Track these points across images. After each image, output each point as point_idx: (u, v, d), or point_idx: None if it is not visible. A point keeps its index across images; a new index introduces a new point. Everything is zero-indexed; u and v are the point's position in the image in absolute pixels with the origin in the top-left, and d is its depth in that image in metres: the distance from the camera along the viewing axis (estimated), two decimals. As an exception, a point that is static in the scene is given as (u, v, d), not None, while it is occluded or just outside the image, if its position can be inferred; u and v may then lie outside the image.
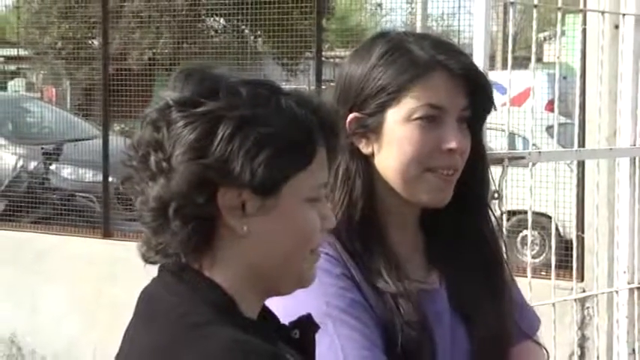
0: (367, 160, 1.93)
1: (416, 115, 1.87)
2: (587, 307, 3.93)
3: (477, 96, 1.92)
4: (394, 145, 1.89)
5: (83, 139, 10.05)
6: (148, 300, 1.52)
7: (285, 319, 1.72)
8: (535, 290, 2.11)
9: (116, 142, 8.15)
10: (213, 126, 1.43)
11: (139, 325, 1.50)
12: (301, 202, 1.49)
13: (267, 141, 1.44)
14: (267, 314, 1.61)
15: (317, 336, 1.71)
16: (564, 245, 4.78)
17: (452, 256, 1.98)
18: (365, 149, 1.92)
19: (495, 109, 1.99)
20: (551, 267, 3.60)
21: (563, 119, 7.58)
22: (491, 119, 2.04)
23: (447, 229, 1.98)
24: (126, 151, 1.50)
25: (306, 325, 1.62)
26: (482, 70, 2.00)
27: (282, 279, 1.54)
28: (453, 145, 1.88)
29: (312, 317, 1.63)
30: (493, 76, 3.84)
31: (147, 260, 1.51)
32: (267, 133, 1.44)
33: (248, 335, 1.42)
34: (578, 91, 4.03)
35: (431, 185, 1.90)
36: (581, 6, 4.06)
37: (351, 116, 1.91)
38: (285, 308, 1.68)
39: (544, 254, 8.09)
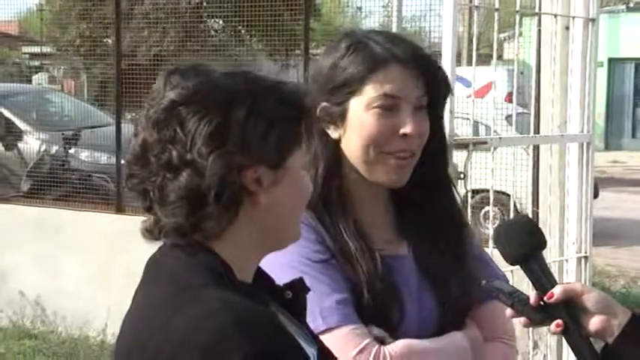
0: (335, 144, 1.94)
1: (374, 104, 1.89)
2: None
3: (432, 83, 1.92)
4: (356, 130, 1.91)
5: (99, 126, 10.04)
6: (151, 266, 1.52)
7: None
8: (496, 259, 2.12)
9: (128, 129, 8.13)
10: (225, 116, 1.42)
11: (143, 288, 1.51)
12: (299, 170, 1.53)
13: (274, 122, 1.46)
14: (261, 277, 1.61)
15: None
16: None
17: (419, 226, 1.99)
18: (333, 134, 1.94)
19: (452, 94, 1.99)
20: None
21: (520, 109, 7.60)
22: (458, 109, 2.05)
23: (416, 203, 1.99)
24: (131, 152, 1.47)
25: (298, 287, 1.63)
26: (434, 59, 1.99)
27: (284, 236, 1.57)
28: (407, 130, 1.88)
29: (304, 280, 1.64)
30: (460, 71, 3.85)
31: (154, 238, 1.49)
32: (272, 116, 1.46)
33: (239, 297, 1.41)
34: (533, 85, 4.06)
35: (388, 167, 1.91)
36: (537, 10, 4.05)
37: (320, 105, 1.92)
38: (266, 269, 1.69)
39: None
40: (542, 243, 1.76)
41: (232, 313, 1.37)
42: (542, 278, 1.70)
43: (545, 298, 1.67)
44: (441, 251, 1.98)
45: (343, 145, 1.94)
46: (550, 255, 4.02)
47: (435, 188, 2.00)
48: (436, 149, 1.98)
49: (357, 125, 1.90)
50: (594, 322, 1.66)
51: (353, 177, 1.94)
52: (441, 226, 2.00)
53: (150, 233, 1.49)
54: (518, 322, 1.74)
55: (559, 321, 1.66)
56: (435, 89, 1.93)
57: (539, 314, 1.69)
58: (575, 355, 1.69)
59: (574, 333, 1.66)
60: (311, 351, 1.55)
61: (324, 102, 1.93)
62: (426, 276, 1.96)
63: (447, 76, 1.99)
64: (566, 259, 3.95)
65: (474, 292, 1.97)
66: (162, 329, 1.40)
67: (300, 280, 1.64)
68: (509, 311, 1.72)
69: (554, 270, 4.00)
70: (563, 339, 1.71)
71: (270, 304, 1.53)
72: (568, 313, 1.66)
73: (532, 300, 1.69)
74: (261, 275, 1.61)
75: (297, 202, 1.55)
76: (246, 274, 1.52)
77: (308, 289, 1.64)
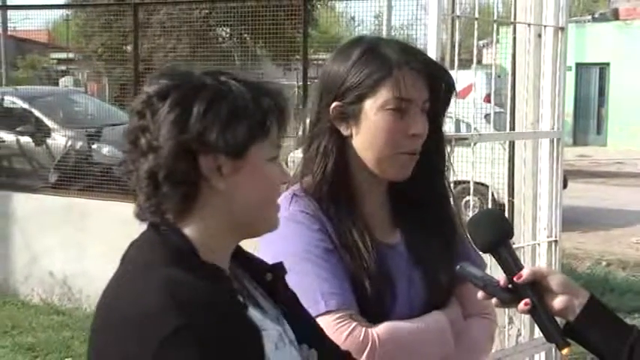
0: (345, 141, 1.91)
1: (388, 106, 1.86)
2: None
3: (439, 89, 1.91)
4: (369, 129, 1.88)
5: (118, 124, 10.01)
6: (129, 246, 1.53)
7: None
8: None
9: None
10: (188, 106, 1.41)
11: (118, 267, 1.51)
12: (264, 162, 1.48)
13: (234, 115, 1.43)
14: (245, 259, 1.60)
15: (297, 276, 1.71)
16: (498, 208, 4.79)
17: (412, 216, 1.97)
18: (345, 131, 1.90)
19: (456, 97, 1.99)
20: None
21: (497, 109, 7.59)
22: (442, 109, 2.03)
23: (411, 195, 1.97)
24: (122, 140, 1.49)
25: (278, 270, 1.61)
26: (442, 66, 1.99)
27: (254, 224, 1.52)
28: (417, 131, 1.87)
29: (284, 264, 1.62)
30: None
31: (141, 219, 1.50)
32: (233, 109, 1.43)
33: (192, 276, 1.39)
34: (509, 87, 4.05)
35: (398, 163, 1.89)
36: (512, 19, 4.04)
37: (333, 104, 1.89)
38: (271, 254, 1.68)
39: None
40: (509, 232, 1.75)
41: (173, 290, 1.35)
42: (511, 263, 1.69)
43: (514, 279, 1.66)
44: (431, 238, 1.96)
45: (354, 142, 1.90)
46: (524, 239, 4.02)
47: (428, 182, 1.98)
48: (433, 147, 1.95)
49: (371, 125, 1.87)
50: (558, 302, 1.65)
51: (360, 171, 1.92)
52: (433, 216, 1.98)
53: (137, 215, 1.51)
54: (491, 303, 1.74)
55: (527, 300, 1.65)
56: (439, 95, 1.92)
57: (508, 295, 1.68)
58: (541, 331, 1.68)
59: (540, 311, 1.66)
60: (277, 329, 1.52)
61: (337, 102, 1.90)
62: (415, 261, 1.95)
63: (452, 82, 1.96)
64: (538, 242, 3.95)
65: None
66: (115, 304, 1.42)
67: (280, 264, 1.62)
68: (480, 293, 1.71)
69: (528, 253, 4.00)
70: None
71: (229, 286, 1.48)
72: (534, 294, 1.66)
73: (502, 282, 1.68)
74: (246, 258, 1.60)
75: (261, 192, 1.50)
76: (215, 255, 1.48)
77: (285, 272, 1.62)
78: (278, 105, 1.50)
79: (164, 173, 1.42)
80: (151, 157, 1.42)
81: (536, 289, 1.66)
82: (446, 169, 2.05)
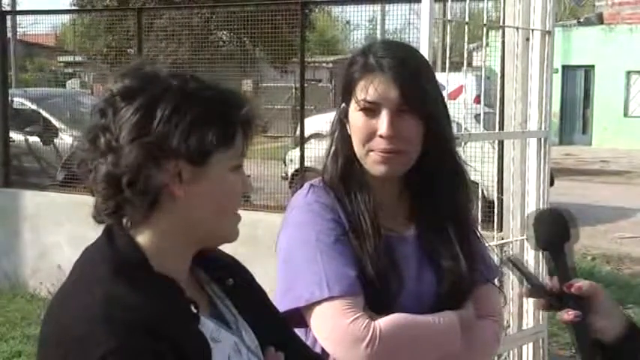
0: (350, 139, 1.93)
1: (359, 108, 1.88)
2: (505, 251, 3.93)
3: (408, 91, 1.85)
4: (351, 128, 1.92)
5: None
6: (83, 252, 1.45)
7: (282, 251, 1.81)
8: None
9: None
10: (152, 109, 1.34)
11: (69, 274, 1.43)
12: (226, 171, 1.41)
13: (199, 121, 1.36)
14: (209, 261, 1.53)
15: (307, 263, 1.77)
16: (488, 205, 4.77)
17: (427, 211, 1.95)
18: (349, 130, 1.93)
19: (430, 102, 1.90)
20: (478, 221, 3.62)
21: (487, 109, 7.58)
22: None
23: (427, 190, 1.95)
24: (79, 138, 1.41)
25: (239, 274, 1.56)
26: (414, 69, 1.88)
27: (210, 235, 1.44)
28: (382, 131, 1.85)
29: (248, 270, 1.59)
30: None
31: (97, 221, 1.43)
32: (198, 115, 1.36)
33: (134, 293, 1.32)
34: (498, 88, 4.05)
35: (372, 161, 1.89)
36: (501, 23, 4.05)
37: (341, 106, 1.95)
38: (286, 241, 1.69)
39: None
40: (575, 235, 1.58)
41: (110, 310, 1.29)
42: (567, 268, 1.56)
43: (572, 290, 1.54)
44: (444, 234, 1.93)
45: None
46: (512, 234, 4.02)
47: (438, 179, 1.94)
48: (432, 145, 1.91)
49: (351, 124, 1.91)
50: (599, 321, 1.56)
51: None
52: (446, 212, 1.94)
53: (93, 216, 1.44)
54: (533, 303, 1.63)
55: (575, 312, 1.53)
56: (412, 96, 1.85)
57: (554, 299, 1.56)
58: (576, 346, 1.56)
59: (583, 326, 1.54)
60: (233, 338, 1.46)
61: (343, 103, 1.94)
62: (427, 255, 1.93)
63: (423, 85, 1.88)
64: (527, 238, 3.95)
65: (473, 274, 1.91)
66: (56, 320, 1.36)
67: (243, 269, 1.58)
68: (525, 289, 1.58)
69: (516, 247, 4.00)
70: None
71: (184, 295, 1.40)
72: (579, 307, 1.54)
73: (551, 284, 1.56)
74: (210, 260, 1.53)
75: (219, 201, 1.41)
76: (170, 263, 1.40)
77: (248, 278, 1.58)
78: (245, 114, 1.43)
79: (127, 177, 1.33)
80: (110, 158, 1.34)
81: (580, 303, 1.55)
82: (457, 167, 2.00)
